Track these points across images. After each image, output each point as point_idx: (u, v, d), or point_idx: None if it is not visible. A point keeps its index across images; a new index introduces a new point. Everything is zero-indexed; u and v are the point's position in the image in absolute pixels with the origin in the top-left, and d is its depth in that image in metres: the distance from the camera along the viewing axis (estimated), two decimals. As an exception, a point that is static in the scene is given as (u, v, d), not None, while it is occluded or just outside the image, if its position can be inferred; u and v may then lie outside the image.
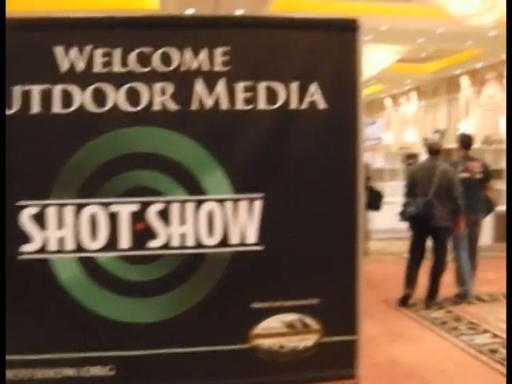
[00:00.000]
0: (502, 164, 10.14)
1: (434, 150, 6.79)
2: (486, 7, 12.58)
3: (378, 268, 8.90)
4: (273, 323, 4.05)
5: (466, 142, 7.46)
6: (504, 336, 5.47)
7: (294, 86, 3.95)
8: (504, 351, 5.05)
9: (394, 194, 9.84)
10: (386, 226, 11.40)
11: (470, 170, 7.19)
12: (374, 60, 18.92)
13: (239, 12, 13.40)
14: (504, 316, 6.10)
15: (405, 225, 7.14)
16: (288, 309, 4.05)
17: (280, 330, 4.06)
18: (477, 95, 20.97)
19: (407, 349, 5.21)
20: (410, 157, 11.32)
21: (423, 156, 7.65)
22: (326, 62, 4.02)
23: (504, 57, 18.53)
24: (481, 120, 20.77)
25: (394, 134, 27.14)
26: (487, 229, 9.55)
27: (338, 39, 4.06)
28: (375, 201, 8.44)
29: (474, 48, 18.14)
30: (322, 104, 3.99)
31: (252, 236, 3.91)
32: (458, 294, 6.98)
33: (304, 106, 3.97)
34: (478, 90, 20.93)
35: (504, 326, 5.80)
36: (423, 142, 7.46)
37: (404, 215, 6.74)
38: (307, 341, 4.10)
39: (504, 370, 4.62)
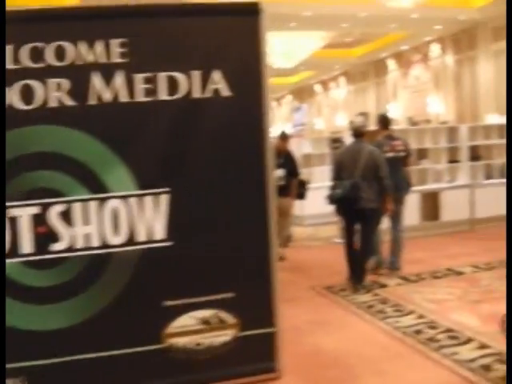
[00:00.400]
0: (427, 144, 10.25)
1: (358, 133, 6.75)
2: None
3: (307, 254, 8.89)
4: (187, 321, 3.95)
5: (384, 121, 7.52)
6: (430, 316, 5.50)
7: (197, 75, 3.84)
8: (429, 331, 5.08)
9: (323, 179, 9.82)
10: (315, 211, 11.42)
11: (395, 148, 7.28)
12: (300, 46, 18.95)
13: None
14: (431, 296, 6.20)
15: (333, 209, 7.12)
16: (202, 305, 3.95)
17: (195, 327, 3.97)
18: (403, 77, 21.24)
19: (332, 336, 5.16)
20: (335, 141, 11.34)
21: (349, 139, 7.62)
22: (228, 49, 3.92)
23: (428, 38, 18.90)
24: (408, 101, 21.07)
25: (325, 119, 27.30)
26: (414, 208, 9.66)
27: (239, 24, 3.97)
28: (299, 189, 8.40)
29: (399, 31, 18.38)
30: (226, 91, 3.89)
31: (160, 232, 3.80)
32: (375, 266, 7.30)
33: (207, 94, 3.87)
34: (404, 72, 21.20)
35: (430, 305, 5.87)
36: (348, 125, 7.38)
37: (331, 198, 6.70)
38: (224, 336, 4.02)
39: (429, 351, 4.64)
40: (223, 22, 3.91)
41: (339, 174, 6.72)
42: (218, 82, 3.86)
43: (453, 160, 10.41)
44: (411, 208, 9.54)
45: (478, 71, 17.23)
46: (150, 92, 3.74)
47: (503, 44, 16.09)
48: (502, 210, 10.38)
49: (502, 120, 11.38)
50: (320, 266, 8.00)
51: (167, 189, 3.81)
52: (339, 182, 6.62)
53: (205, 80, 3.84)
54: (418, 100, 20.40)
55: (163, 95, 3.80)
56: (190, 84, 3.82)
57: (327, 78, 26.91)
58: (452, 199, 10.01)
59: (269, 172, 3.99)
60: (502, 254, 7.69)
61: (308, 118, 27.30)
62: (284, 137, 8.32)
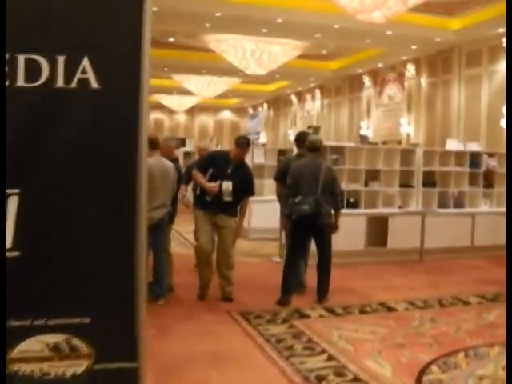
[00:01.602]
0: (379, 165, 9.68)
1: (314, 148, 6.77)
2: (376, 3, 12.20)
3: (240, 273, 8.18)
4: (33, 345, 3.28)
5: (298, 140, 7.67)
6: (341, 358, 4.89)
7: (61, 60, 3.19)
8: (334, 378, 4.47)
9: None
10: (263, 225, 10.86)
11: None
12: (272, 54, 18.45)
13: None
14: (351, 334, 5.60)
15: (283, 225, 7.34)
16: (52, 328, 3.28)
17: (42, 354, 3.30)
18: (378, 95, 20.84)
19: (225, 375, 4.53)
20: (282, 153, 10.82)
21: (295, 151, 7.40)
22: (101, 33, 3.27)
23: (404, 57, 18.51)
24: (381, 120, 20.69)
25: (298, 130, 26.68)
26: (359, 233, 9.09)
27: (117, 6, 3.33)
28: None
29: (374, 47, 17.98)
30: (95, 83, 3.25)
31: (7, 240, 3.15)
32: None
33: (73, 84, 3.22)
34: (379, 90, 20.80)
35: (346, 345, 5.27)
36: (296, 137, 7.34)
37: (297, 214, 6.55)
38: (76, 367, 3.36)
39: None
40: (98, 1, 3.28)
41: (297, 188, 6.62)
42: (86, 71, 3.21)
43: (406, 184, 9.84)
44: (357, 232, 9.02)
45: (450, 95, 16.87)
46: (7, 76, 3.10)
47: (476, 70, 15.78)
48: (455, 242, 10.10)
49: (461, 147, 10.86)
50: (248, 288, 7.38)
51: (17, 190, 3.16)
52: (303, 197, 6.50)
53: (71, 67, 3.19)
54: (390, 119, 20.02)
55: (21, 81, 3.15)
56: (52, 70, 3.17)
57: (303, 89, 26.45)
58: (402, 226, 9.45)
59: (140, 185, 3.35)
60: (444, 291, 7.25)
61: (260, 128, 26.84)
62: (242, 144, 6.81)
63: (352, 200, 9.35)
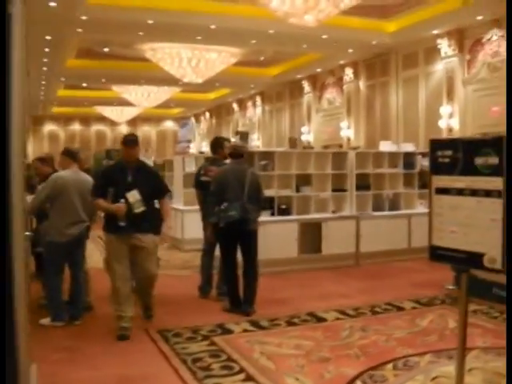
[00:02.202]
0: (310, 169, 9.43)
1: (238, 153, 6.68)
2: (307, 6, 11.98)
3: (168, 286, 7.84)
4: None
5: (210, 146, 7.59)
6: (260, 378, 4.57)
7: None
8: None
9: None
10: (197, 235, 10.46)
11: (209, 173, 7.19)
12: (209, 61, 18.16)
13: (52, 4, 12.10)
14: (275, 349, 5.28)
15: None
16: None
17: None
18: (318, 100, 20.72)
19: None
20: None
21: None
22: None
23: (342, 62, 18.41)
24: (321, 125, 20.58)
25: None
26: (292, 239, 8.81)
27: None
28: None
29: (311, 51, 17.84)
30: None
31: None
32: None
33: None
34: (318, 94, 20.69)
35: (267, 362, 4.95)
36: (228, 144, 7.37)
37: (225, 220, 6.38)
38: None
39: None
40: None
41: (223, 194, 6.46)
42: None
43: (339, 188, 9.61)
44: (289, 239, 8.75)
45: (388, 98, 16.83)
46: None
47: (412, 72, 15.77)
48: (390, 245, 9.91)
49: (394, 148, 10.69)
50: (173, 303, 7.03)
51: None
52: (229, 203, 6.38)
53: None
54: (330, 124, 19.93)
55: None
56: None
57: (244, 96, 26.22)
58: (336, 231, 9.21)
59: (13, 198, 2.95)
60: (378, 297, 7.02)
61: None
62: (130, 141, 5.77)
63: (283, 206, 9.09)
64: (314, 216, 9.31)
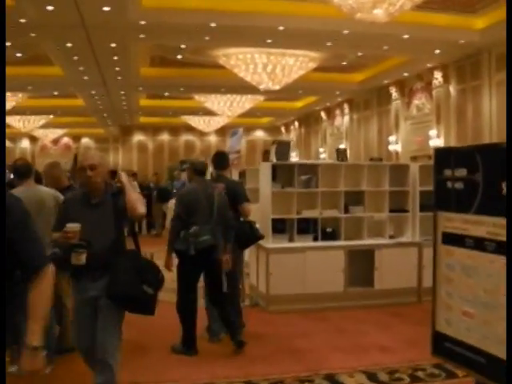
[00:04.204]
0: (363, 185, 8.00)
1: (200, 171, 6.13)
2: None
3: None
4: None
5: (214, 160, 6.84)
6: None
7: None
8: None
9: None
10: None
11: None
12: (286, 66, 16.99)
13: (106, 9, 11.39)
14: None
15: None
16: None
17: None
18: (406, 107, 19.10)
19: None
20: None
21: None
22: None
23: (429, 64, 16.77)
24: (410, 134, 18.97)
25: (328, 148, 25.22)
26: (338, 270, 7.44)
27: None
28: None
29: (393, 53, 16.33)
30: None
31: None
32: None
33: None
34: (406, 101, 19.08)
35: None
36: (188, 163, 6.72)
37: (196, 247, 5.60)
38: None
39: None
40: None
41: (189, 218, 5.74)
42: None
43: (398, 209, 8.11)
44: (334, 269, 7.39)
45: (481, 103, 15.06)
46: None
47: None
48: None
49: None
50: (156, 345, 5.84)
51: None
52: (199, 227, 5.65)
53: None
54: (420, 133, 18.29)
55: None
56: None
57: (332, 104, 24.90)
58: (393, 260, 7.73)
59: None
60: (427, 353, 5.27)
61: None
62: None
63: (328, 230, 7.77)
64: (366, 242, 7.91)
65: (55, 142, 32.47)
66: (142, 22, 12.53)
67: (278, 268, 7.34)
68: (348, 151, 22.61)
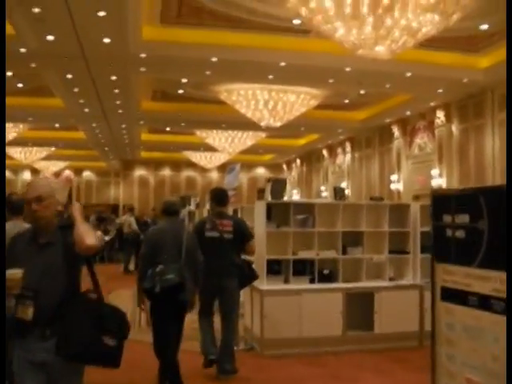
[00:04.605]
0: (363, 225, 7.76)
1: (173, 211, 6.02)
2: (377, 35, 10.44)
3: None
4: None
5: (216, 197, 6.74)
6: None
7: None
8: None
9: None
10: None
11: (218, 228, 6.46)
12: (287, 103, 16.88)
13: (106, 41, 11.29)
14: None
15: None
16: None
17: None
18: (408, 146, 18.95)
19: None
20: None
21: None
22: None
23: (432, 103, 16.66)
24: (412, 173, 18.79)
25: (330, 186, 25.03)
26: (336, 313, 7.15)
27: None
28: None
29: (396, 91, 16.24)
30: None
31: None
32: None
33: None
34: (408, 140, 18.92)
35: None
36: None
37: (162, 284, 5.44)
38: None
39: None
40: None
41: (155, 257, 5.65)
42: None
43: (398, 250, 7.85)
44: (332, 312, 7.10)
45: (483, 143, 14.90)
46: None
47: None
48: None
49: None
50: None
51: None
52: (164, 266, 5.52)
53: None
54: (422, 172, 18.12)
55: None
56: None
57: (333, 142, 24.75)
58: (393, 303, 7.45)
59: None
60: None
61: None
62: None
63: (326, 272, 7.46)
64: (365, 284, 7.64)
65: (57, 174, 32.29)
66: (143, 55, 12.45)
67: (273, 311, 7.05)
68: (349, 190, 22.55)
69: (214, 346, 6.44)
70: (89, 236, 3.30)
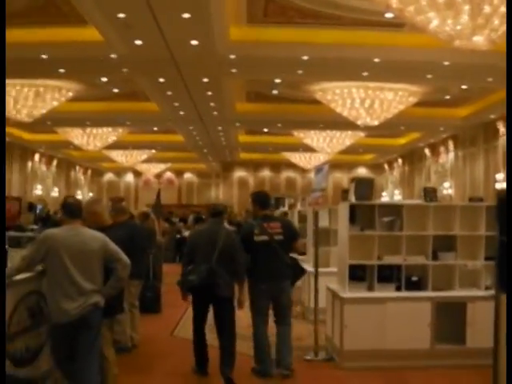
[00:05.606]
0: (455, 229, 7.18)
1: (216, 212, 6.39)
2: (475, 25, 9.77)
3: None
4: None
5: (259, 201, 6.76)
6: None
7: None
8: None
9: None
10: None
11: (269, 231, 6.45)
12: (384, 101, 16.30)
13: (194, 43, 11.23)
14: None
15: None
16: None
17: None
18: (515, 143, 17.83)
19: None
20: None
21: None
22: None
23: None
24: (519, 173, 17.63)
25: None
26: (423, 325, 6.62)
27: None
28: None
29: (500, 85, 15.24)
30: None
31: None
32: (254, 370, 6.42)
33: None
34: (516, 137, 17.81)
35: None
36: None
37: (185, 285, 6.12)
38: None
39: None
40: None
41: (193, 257, 6.16)
42: None
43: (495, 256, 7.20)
44: (419, 323, 6.60)
45: None
46: None
47: None
48: None
49: None
50: None
51: None
52: (196, 266, 6.02)
53: None
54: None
55: None
56: None
57: (436, 141, 23.83)
58: (489, 315, 6.78)
59: None
60: None
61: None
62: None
63: (414, 279, 6.94)
64: (458, 293, 7.03)
65: (158, 176, 33.01)
66: (232, 56, 12.33)
67: (355, 320, 6.61)
68: (453, 190, 21.60)
69: (269, 355, 6.39)
70: None
